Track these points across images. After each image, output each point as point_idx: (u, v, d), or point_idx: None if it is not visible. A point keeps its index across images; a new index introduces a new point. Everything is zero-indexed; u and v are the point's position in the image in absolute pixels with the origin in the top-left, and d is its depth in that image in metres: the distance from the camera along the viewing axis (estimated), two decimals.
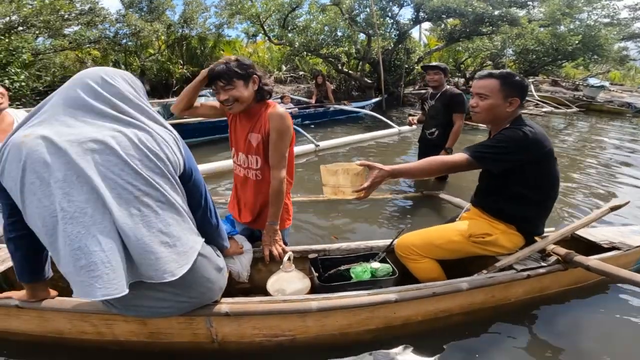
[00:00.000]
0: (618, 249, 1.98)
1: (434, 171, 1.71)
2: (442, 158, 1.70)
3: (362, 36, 10.67)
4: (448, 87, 3.55)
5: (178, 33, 11.43)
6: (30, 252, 1.22)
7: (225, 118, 1.87)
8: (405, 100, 11.38)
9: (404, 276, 1.81)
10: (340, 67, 11.00)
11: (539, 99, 12.01)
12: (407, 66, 10.98)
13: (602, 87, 13.97)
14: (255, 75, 1.64)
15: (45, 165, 1.02)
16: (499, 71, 1.70)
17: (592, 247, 2.06)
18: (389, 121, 7.11)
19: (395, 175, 1.60)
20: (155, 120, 1.21)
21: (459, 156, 1.66)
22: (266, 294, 1.62)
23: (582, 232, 2.12)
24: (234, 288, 1.72)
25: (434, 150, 3.38)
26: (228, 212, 2.01)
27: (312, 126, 7.51)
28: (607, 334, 1.73)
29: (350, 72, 11.35)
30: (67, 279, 1.09)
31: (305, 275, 1.72)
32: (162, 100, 8.15)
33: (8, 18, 7.48)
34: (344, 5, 9.74)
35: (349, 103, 8.87)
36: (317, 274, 1.73)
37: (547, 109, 11.07)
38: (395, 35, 10.66)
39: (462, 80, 13.92)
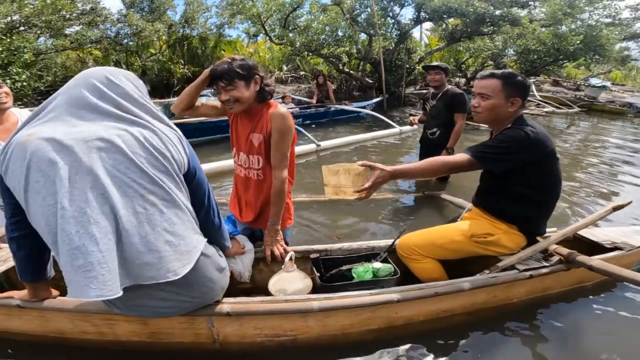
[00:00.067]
0: (620, 249, 1.97)
1: (436, 172, 1.70)
2: (443, 158, 1.69)
3: (363, 36, 10.67)
4: (449, 86, 3.54)
5: (179, 33, 11.45)
6: (34, 251, 1.22)
7: (226, 118, 1.87)
8: (406, 100, 11.37)
9: (406, 276, 1.81)
10: (341, 67, 10.99)
11: (540, 99, 11.97)
12: (408, 66, 10.97)
13: (603, 87, 13.94)
14: (257, 76, 1.64)
15: (50, 163, 1.02)
16: (500, 71, 1.69)
17: (594, 248, 2.05)
18: (390, 121, 7.11)
19: (396, 176, 1.60)
20: (160, 119, 1.22)
21: (460, 156, 1.65)
22: (268, 294, 1.62)
23: (584, 232, 2.11)
24: (236, 288, 1.72)
25: (435, 150, 3.39)
26: (229, 212, 2.01)
27: (313, 126, 7.51)
28: (609, 334, 1.73)
29: (351, 72, 11.34)
30: (64, 278, 1.08)
31: (307, 275, 1.72)
32: (163, 100, 8.16)
33: (10, 18, 7.50)
34: (345, 5, 9.73)
35: (350, 103, 8.87)
36: (318, 274, 1.73)
37: (549, 109, 11.04)
38: (396, 35, 10.66)
39: (463, 80, 13.90)
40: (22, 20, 7.68)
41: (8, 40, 7.00)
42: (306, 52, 10.41)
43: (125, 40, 10.21)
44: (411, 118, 4.12)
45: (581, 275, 1.91)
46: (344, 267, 1.77)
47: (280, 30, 10.16)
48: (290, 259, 1.70)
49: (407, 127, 6.79)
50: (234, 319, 1.43)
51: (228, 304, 1.42)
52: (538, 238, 1.83)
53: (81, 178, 1.04)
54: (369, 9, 9.95)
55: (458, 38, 10.66)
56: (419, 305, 1.59)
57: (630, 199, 2.19)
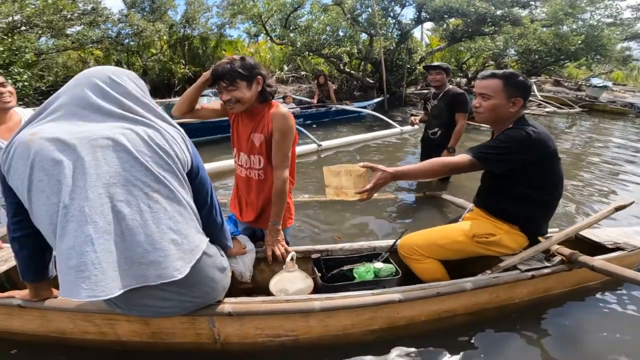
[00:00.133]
0: (622, 249, 1.97)
1: (437, 172, 1.70)
2: (444, 159, 1.69)
3: (364, 36, 10.67)
4: (450, 86, 3.54)
5: (180, 33, 11.47)
6: (36, 251, 1.22)
7: (226, 118, 1.87)
8: (407, 100, 11.36)
9: (407, 277, 1.81)
10: (342, 67, 10.99)
11: (541, 99, 11.96)
12: (409, 66, 10.97)
13: (604, 87, 13.92)
14: (259, 76, 1.64)
15: (54, 162, 1.02)
16: (502, 71, 1.69)
17: (596, 248, 2.04)
18: (391, 121, 7.11)
19: (398, 178, 1.60)
20: (163, 118, 1.22)
21: (461, 157, 1.65)
22: (269, 294, 1.61)
23: (586, 233, 2.11)
24: (237, 288, 1.72)
25: (436, 150, 3.39)
26: (230, 213, 2.01)
27: (314, 126, 7.50)
28: (612, 334, 1.72)
29: (352, 72, 11.34)
30: (58, 276, 1.08)
31: (308, 275, 1.72)
32: (164, 100, 8.18)
33: (11, 18, 7.51)
34: (346, 5, 9.73)
35: (351, 103, 8.86)
36: (320, 274, 1.73)
37: (550, 109, 11.02)
38: (397, 35, 10.66)
39: (464, 80, 13.89)
40: (24, 20, 7.69)
41: (9, 40, 7.01)
42: (307, 52, 10.40)
43: (127, 40, 10.25)
44: (412, 118, 4.11)
45: (583, 275, 1.90)
46: (345, 267, 1.77)
47: (281, 30, 10.16)
48: (292, 259, 1.70)
49: (408, 127, 6.78)
50: (235, 319, 1.43)
51: (229, 304, 1.42)
52: (540, 238, 1.83)
53: (84, 177, 1.03)
54: (369, 9, 9.95)
55: (459, 38, 10.66)
56: (421, 305, 1.58)
57: (632, 199, 2.18)
